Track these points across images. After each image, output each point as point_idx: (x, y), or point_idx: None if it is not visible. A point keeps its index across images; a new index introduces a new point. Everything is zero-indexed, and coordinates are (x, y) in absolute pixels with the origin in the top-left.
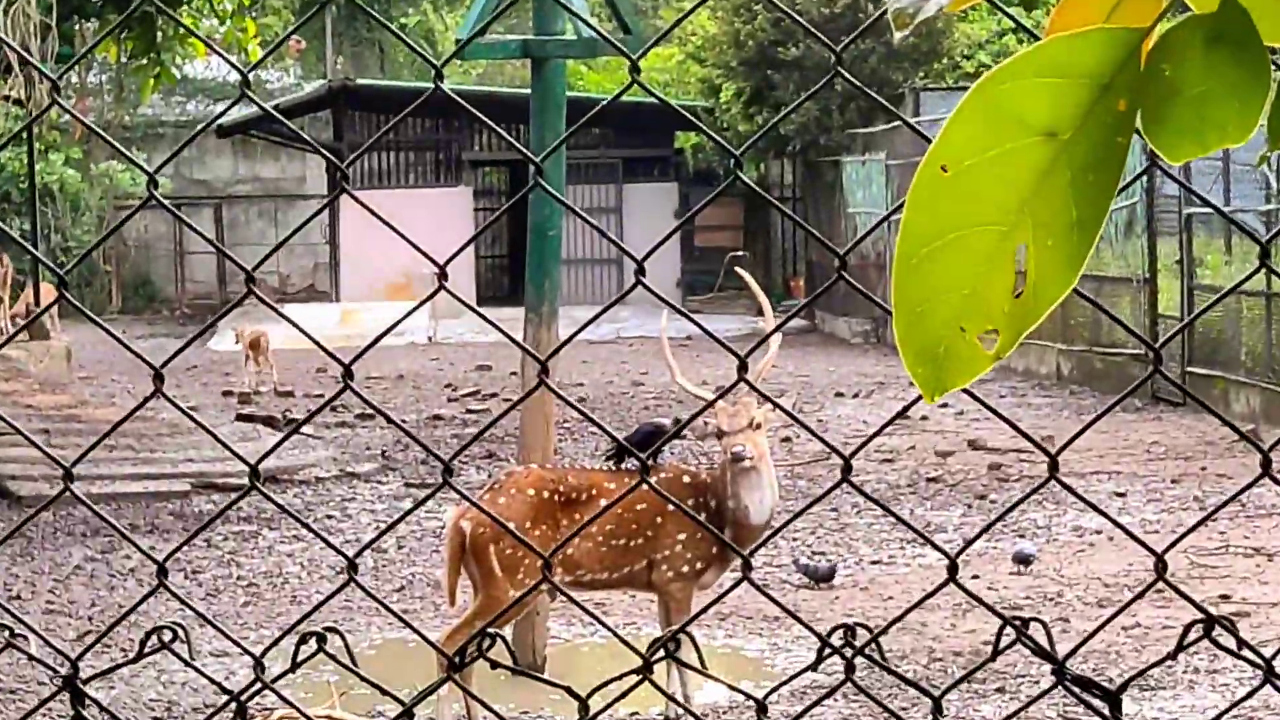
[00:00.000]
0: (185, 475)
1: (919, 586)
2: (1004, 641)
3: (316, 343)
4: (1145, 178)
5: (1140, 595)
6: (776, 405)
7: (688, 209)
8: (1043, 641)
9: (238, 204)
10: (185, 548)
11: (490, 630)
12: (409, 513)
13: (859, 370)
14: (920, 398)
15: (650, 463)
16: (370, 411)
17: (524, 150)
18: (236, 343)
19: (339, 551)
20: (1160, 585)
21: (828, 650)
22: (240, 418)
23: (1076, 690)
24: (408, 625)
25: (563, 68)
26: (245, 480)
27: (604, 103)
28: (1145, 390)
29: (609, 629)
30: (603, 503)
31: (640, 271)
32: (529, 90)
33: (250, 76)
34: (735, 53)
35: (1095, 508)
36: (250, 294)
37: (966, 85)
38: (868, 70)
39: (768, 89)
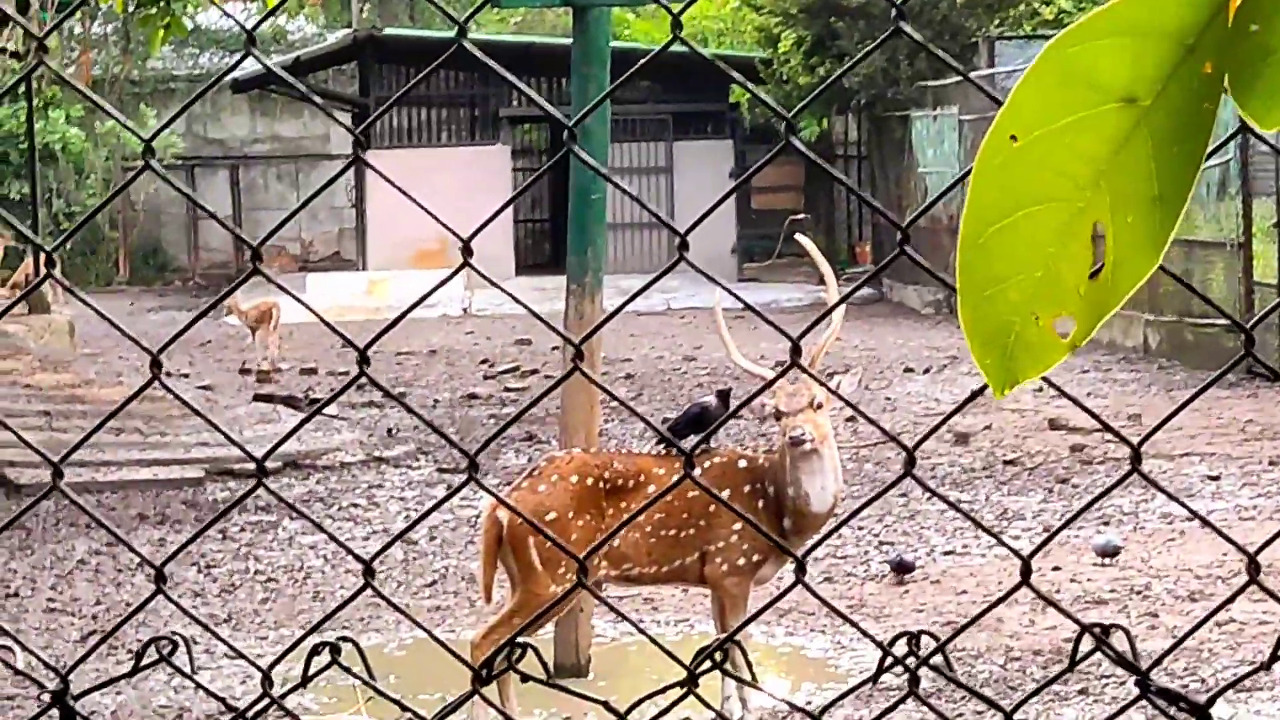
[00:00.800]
0: (198, 461)
1: (995, 579)
2: (1083, 649)
3: (330, 325)
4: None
5: (1233, 598)
6: (832, 392)
7: (744, 168)
8: (1125, 648)
9: (255, 165)
10: (198, 539)
11: (520, 640)
12: (431, 510)
13: (930, 343)
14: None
15: (701, 447)
16: (401, 390)
17: (554, 112)
18: (228, 315)
19: (355, 556)
20: (1276, 574)
21: (890, 659)
22: (258, 398)
23: (1161, 704)
24: (429, 634)
25: (607, 16)
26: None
27: (648, 55)
28: (1241, 364)
29: (647, 635)
30: (651, 490)
31: (683, 246)
32: (565, 40)
33: (269, 26)
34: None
35: (1180, 501)
36: (255, 271)
37: (1046, 34)
38: (939, 18)
39: (830, 38)
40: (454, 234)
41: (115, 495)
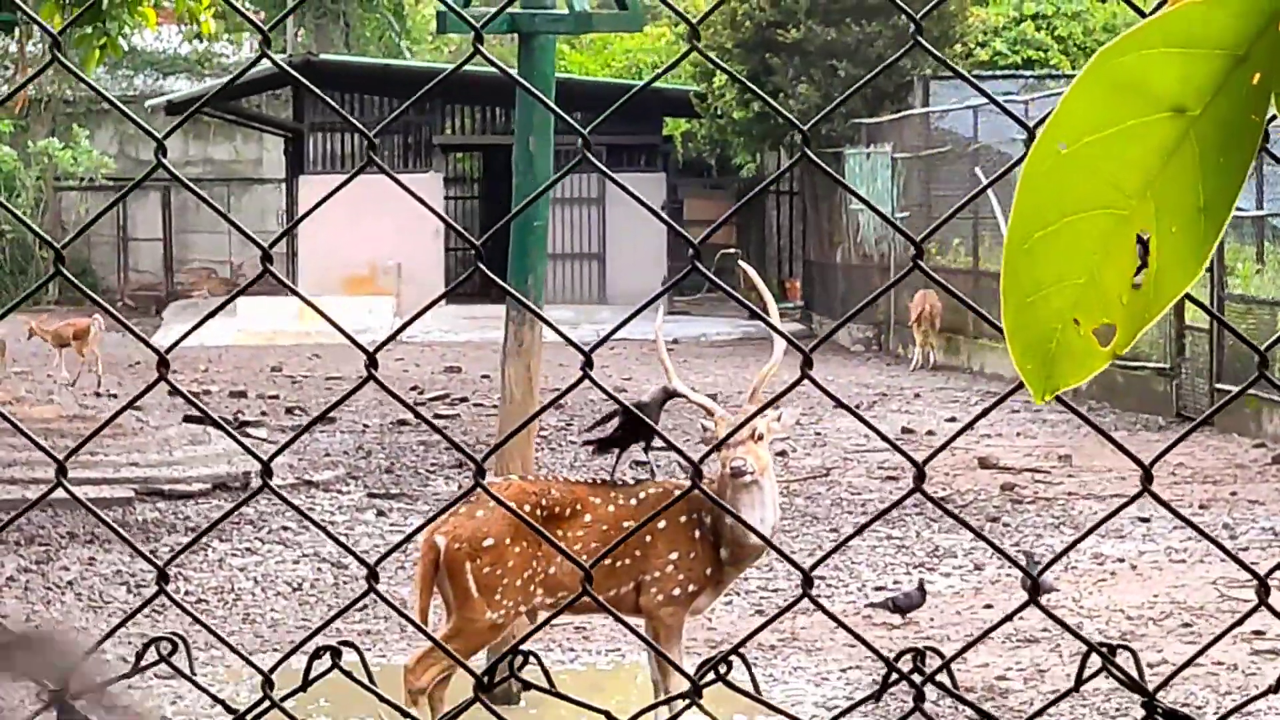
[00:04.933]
0: (129, 481)
1: (927, 615)
2: (1089, 670)
3: (349, 337)
4: None
5: (1232, 628)
6: (850, 409)
7: (676, 201)
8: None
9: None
10: (129, 559)
11: (522, 649)
12: (442, 511)
13: (859, 380)
14: (999, 406)
15: (635, 478)
16: (331, 415)
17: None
18: (30, 336)
19: (360, 560)
20: (1188, 619)
21: (895, 675)
22: (188, 419)
23: None
24: (433, 639)
25: (553, 45)
26: (193, 487)
27: (645, 83)
28: (1170, 408)
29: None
30: (588, 519)
31: (695, 256)
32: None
33: (202, 50)
34: (731, 34)
35: (1196, 528)
36: (266, 271)
37: (981, 74)
38: (874, 56)
39: (765, 74)
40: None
41: (44, 514)
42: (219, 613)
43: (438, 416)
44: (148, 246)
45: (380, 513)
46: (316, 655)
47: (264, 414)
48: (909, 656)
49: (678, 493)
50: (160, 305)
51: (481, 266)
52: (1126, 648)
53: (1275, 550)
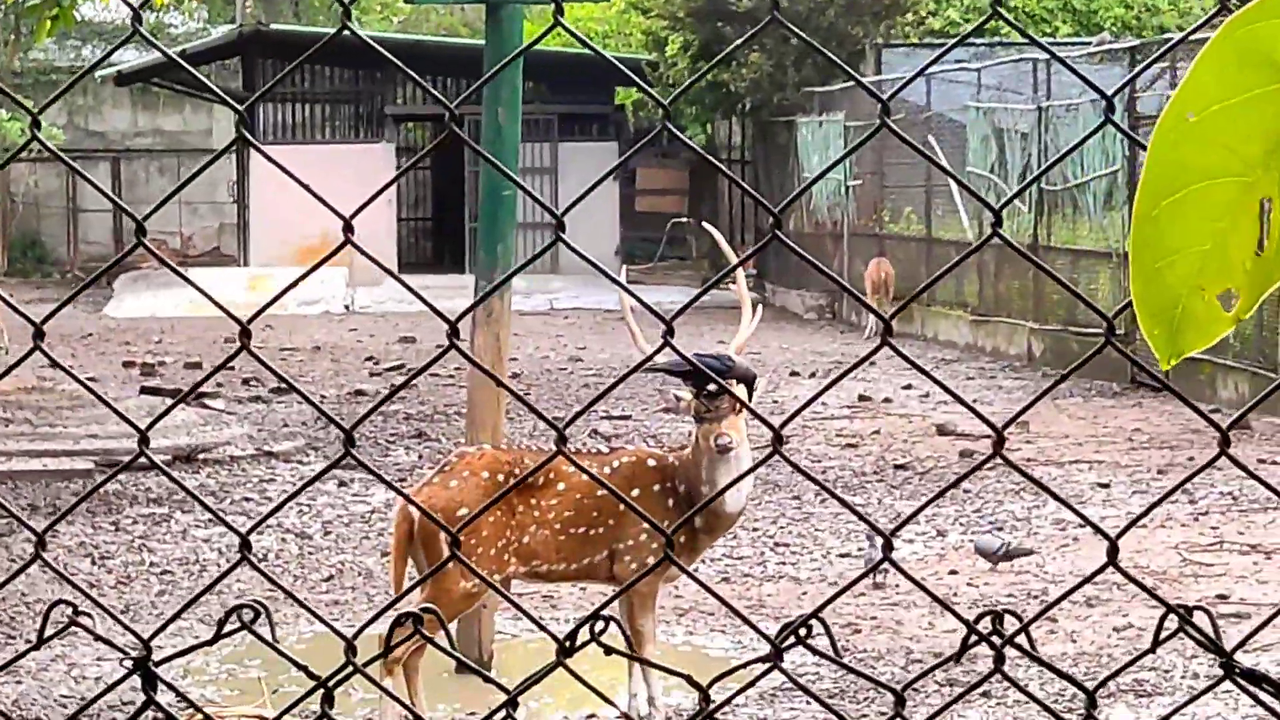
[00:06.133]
0: (88, 453)
1: (892, 583)
2: (1166, 631)
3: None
4: (1126, 144)
5: (1079, 586)
6: (925, 369)
7: (628, 171)
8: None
9: (137, 158)
10: (92, 531)
11: (604, 614)
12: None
13: (814, 348)
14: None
15: (611, 446)
16: (287, 386)
17: (445, 102)
18: None
19: (235, 530)
20: (1152, 584)
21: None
22: (145, 390)
23: (1247, 685)
24: (516, 608)
25: (519, 15)
26: (155, 458)
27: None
28: (1125, 373)
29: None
30: (562, 487)
31: (776, 225)
32: (454, 40)
33: (152, 19)
34: (683, 2)
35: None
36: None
37: (932, 43)
38: (825, 25)
39: (717, 43)
40: (339, 214)
41: (4, 486)
42: (185, 584)
43: (394, 387)
44: (97, 218)
45: (342, 483)
46: (399, 623)
47: (220, 385)
48: (988, 619)
49: (651, 460)
50: (111, 277)
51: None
52: (1203, 608)
53: (1234, 515)
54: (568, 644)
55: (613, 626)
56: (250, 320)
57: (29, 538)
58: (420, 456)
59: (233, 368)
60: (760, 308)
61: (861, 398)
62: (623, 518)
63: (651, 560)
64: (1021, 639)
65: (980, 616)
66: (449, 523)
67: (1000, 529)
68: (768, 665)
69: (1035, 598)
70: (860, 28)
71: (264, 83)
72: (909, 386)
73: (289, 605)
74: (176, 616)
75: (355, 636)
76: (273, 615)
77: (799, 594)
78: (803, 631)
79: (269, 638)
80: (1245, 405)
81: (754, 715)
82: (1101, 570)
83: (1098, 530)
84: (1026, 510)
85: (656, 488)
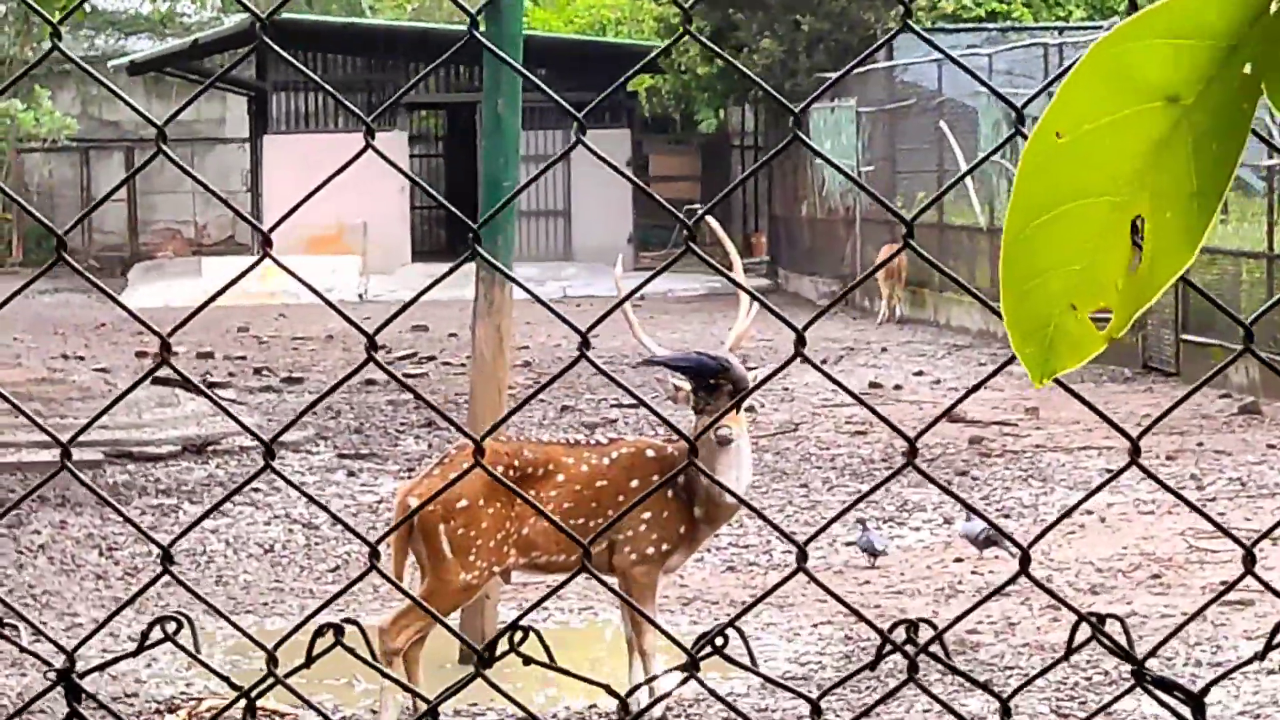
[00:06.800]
0: (98, 444)
1: (897, 570)
2: (1079, 638)
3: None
4: None
5: (1220, 595)
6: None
7: (641, 158)
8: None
9: (151, 148)
10: (100, 522)
11: (524, 623)
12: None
13: (825, 334)
14: (1007, 370)
15: (610, 436)
16: (299, 375)
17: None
18: None
19: (362, 538)
20: (1158, 570)
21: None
22: (157, 381)
23: (1158, 692)
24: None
25: (520, 4)
26: (162, 450)
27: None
28: (1135, 358)
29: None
30: (561, 479)
31: (692, 234)
32: (464, 28)
33: (165, 10)
34: None
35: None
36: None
37: (946, 27)
38: (838, 10)
39: (729, 29)
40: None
41: (14, 477)
42: (191, 575)
43: (407, 375)
44: (112, 207)
45: (350, 473)
46: (320, 632)
47: (232, 375)
48: (903, 628)
49: (650, 451)
50: (125, 266)
51: (480, 250)
52: (1115, 616)
53: (1243, 501)
54: (487, 654)
55: (532, 635)
56: (377, 331)
57: (37, 529)
58: (430, 445)
59: (244, 357)
60: (754, 306)
61: (873, 384)
62: (621, 509)
63: (651, 550)
64: (936, 647)
65: (894, 626)
66: (448, 515)
67: (1007, 517)
68: (685, 676)
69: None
70: (872, 13)
71: (276, 72)
72: (920, 373)
73: (294, 597)
74: (100, 628)
75: (276, 648)
76: (196, 626)
77: (804, 582)
78: (719, 641)
79: (191, 649)
80: (1257, 389)
81: (755, 705)
82: (1013, 580)
83: (1010, 540)
84: (1034, 497)
85: (656, 478)
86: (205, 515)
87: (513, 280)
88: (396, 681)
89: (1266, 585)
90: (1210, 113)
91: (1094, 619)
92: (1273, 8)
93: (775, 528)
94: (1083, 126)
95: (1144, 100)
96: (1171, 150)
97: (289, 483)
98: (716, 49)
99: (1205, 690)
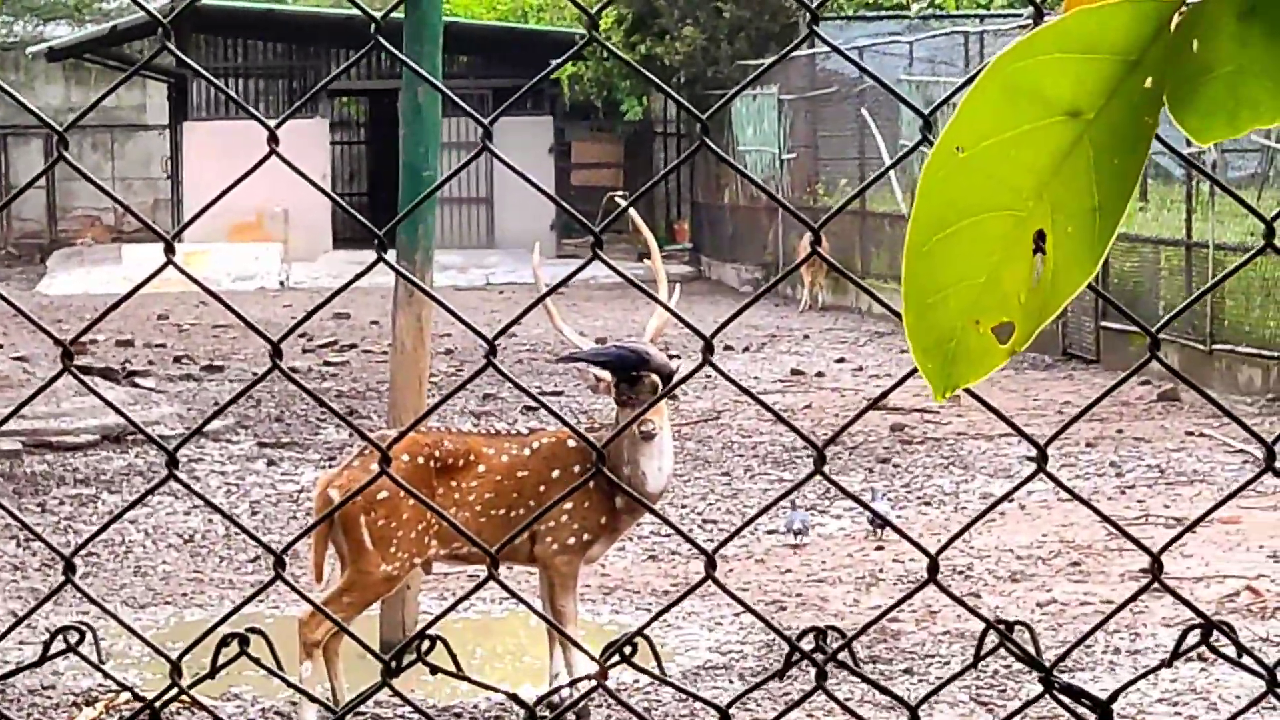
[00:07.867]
0: (16, 433)
1: (819, 559)
2: (988, 645)
3: (39, 326)
4: None
5: (1132, 599)
6: (756, 398)
7: (563, 145)
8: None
9: (70, 135)
10: (18, 512)
11: (430, 634)
12: None
13: (748, 322)
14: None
15: (530, 426)
16: (219, 364)
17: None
18: None
19: (267, 548)
20: (1077, 558)
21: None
22: (78, 371)
23: (1066, 700)
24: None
25: None
26: (81, 439)
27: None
28: (1056, 346)
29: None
30: (481, 469)
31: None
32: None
33: None
34: None
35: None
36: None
37: (866, 15)
38: None
39: (651, 16)
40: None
41: None
42: (110, 565)
43: (327, 364)
44: (31, 193)
45: (271, 462)
46: (224, 643)
47: (151, 363)
48: (811, 635)
49: (571, 441)
50: (44, 253)
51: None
52: (1024, 624)
53: (1161, 488)
54: (393, 664)
55: (439, 645)
56: (281, 339)
57: None
58: (350, 435)
59: (164, 345)
60: (678, 287)
61: (794, 371)
62: (542, 499)
63: (572, 541)
64: (845, 655)
65: (802, 634)
66: (369, 506)
67: (928, 504)
68: (593, 684)
69: (960, 573)
70: (794, 0)
71: (197, 58)
72: (842, 360)
73: (214, 588)
74: (3, 636)
75: (181, 658)
76: (100, 637)
77: (725, 570)
78: (627, 650)
79: (94, 659)
80: (1176, 376)
81: (675, 695)
82: (922, 587)
83: (918, 546)
84: (955, 485)
85: (577, 469)
86: (104, 528)
87: (424, 291)
88: (303, 691)
89: (1174, 593)
90: (1111, 127)
91: (1002, 626)
92: (1173, 23)
93: (685, 537)
94: (984, 141)
95: (1045, 115)
96: (1072, 164)
97: (194, 493)
98: (624, 57)
99: (1113, 698)
